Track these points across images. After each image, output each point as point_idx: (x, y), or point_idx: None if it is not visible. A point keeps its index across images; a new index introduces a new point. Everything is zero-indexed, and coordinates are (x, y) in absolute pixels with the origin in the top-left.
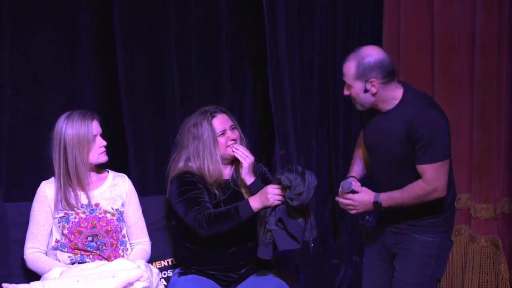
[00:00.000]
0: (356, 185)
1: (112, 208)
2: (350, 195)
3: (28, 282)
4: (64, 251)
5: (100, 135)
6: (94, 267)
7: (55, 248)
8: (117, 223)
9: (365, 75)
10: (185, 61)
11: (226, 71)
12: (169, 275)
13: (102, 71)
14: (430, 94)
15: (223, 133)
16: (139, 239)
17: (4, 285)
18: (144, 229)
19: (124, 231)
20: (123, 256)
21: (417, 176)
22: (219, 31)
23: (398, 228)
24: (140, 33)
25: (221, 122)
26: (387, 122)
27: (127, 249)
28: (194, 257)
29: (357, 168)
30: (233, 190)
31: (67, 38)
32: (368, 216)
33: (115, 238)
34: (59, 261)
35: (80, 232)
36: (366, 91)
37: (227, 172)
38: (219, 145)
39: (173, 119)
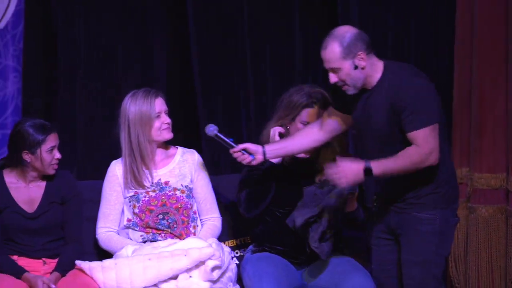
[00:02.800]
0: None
1: (182, 185)
2: (337, 162)
3: (101, 260)
4: (136, 230)
5: (166, 113)
6: (166, 246)
7: (127, 227)
8: (187, 200)
9: (351, 51)
10: (258, 45)
11: (298, 52)
12: (241, 254)
13: (175, 51)
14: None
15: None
16: (210, 215)
17: (77, 262)
18: (215, 205)
19: (194, 208)
20: (194, 233)
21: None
22: (292, 13)
23: (399, 208)
24: (213, 14)
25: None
26: (373, 97)
27: (198, 225)
28: (268, 234)
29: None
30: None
31: (140, 18)
32: (375, 196)
33: (186, 215)
34: (131, 239)
35: (151, 211)
36: (356, 67)
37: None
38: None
39: (245, 99)
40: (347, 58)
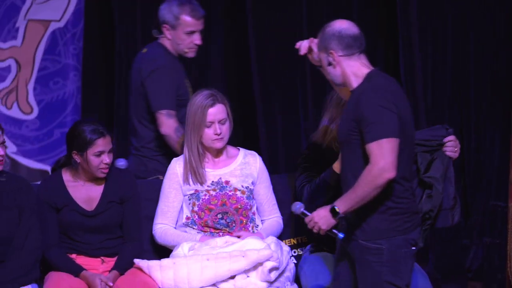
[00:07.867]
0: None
1: (243, 186)
2: (309, 216)
3: (159, 259)
4: (194, 228)
5: (221, 122)
6: (223, 243)
7: (185, 225)
8: (247, 201)
9: (325, 47)
10: None
11: None
12: (299, 253)
13: (235, 51)
14: None
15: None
16: (272, 215)
17: (136, 260)
18: (276, 206)
19: (254, 209)
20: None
21: (362, 160)
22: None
23: (352, 233)
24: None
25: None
26: (348, 101)
27: (257, 225)
28: (325, 234)
29: None
30: None
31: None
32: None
33: (245, 216)
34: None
35: (210, 210)
36: (329, 64)
37: None
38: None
39: (303, 99)
40: (322, 51)
